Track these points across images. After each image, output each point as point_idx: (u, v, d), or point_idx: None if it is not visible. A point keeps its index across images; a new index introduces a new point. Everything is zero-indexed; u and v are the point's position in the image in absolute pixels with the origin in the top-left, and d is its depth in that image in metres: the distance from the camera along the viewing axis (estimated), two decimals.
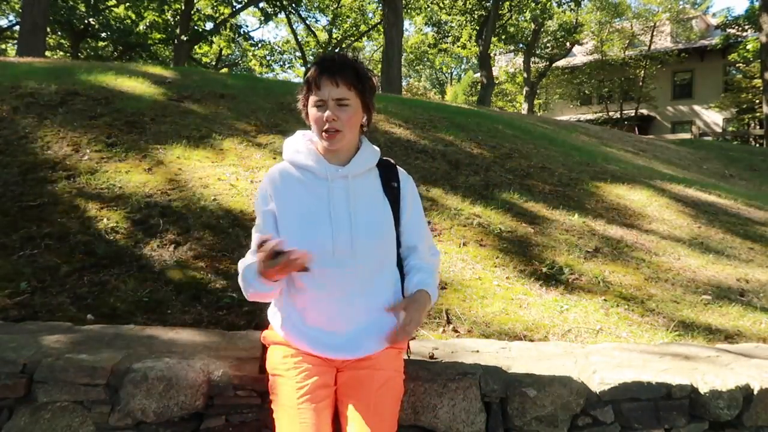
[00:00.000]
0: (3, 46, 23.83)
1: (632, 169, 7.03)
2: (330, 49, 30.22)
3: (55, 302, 2.63)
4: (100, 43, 23.98)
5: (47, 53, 14.93)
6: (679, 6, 27.87)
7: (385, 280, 1.73)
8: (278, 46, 31.62)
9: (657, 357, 2.39)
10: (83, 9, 19.75)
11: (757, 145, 19.55)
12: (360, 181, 1.71)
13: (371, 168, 1.76)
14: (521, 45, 28.35)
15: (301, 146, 1.73)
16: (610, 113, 27.87)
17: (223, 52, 28.83)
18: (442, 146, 5.83)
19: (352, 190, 1.68)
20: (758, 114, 21.14)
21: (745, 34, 22.96)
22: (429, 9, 26.33)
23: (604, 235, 4.40)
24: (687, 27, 28.64)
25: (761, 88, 18.53)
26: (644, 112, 28.00)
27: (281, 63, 32.31)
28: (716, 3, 70.25)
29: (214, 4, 22.77)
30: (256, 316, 2.60)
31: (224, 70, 27.50)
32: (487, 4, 23.69)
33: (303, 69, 31.24)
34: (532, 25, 26.42)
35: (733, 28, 23.49)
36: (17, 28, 17.32)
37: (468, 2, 24.42)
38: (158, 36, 22.04)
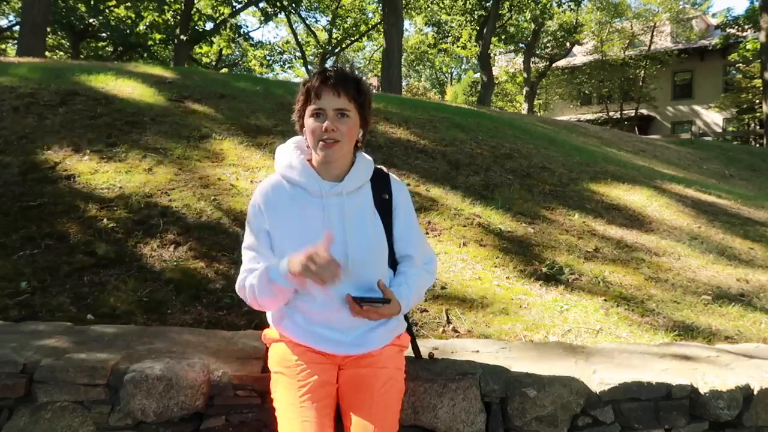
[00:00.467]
0: (3, 46, 23.82)
1: (632, 169, 7.02)
2: (330, 49, 30.24)
3: (55, 302, 2.63)
4: (100, 44, 23.98)
5: (47, 53, 14.92)
6: (679, 6, 27.84)
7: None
8: (278, 46, 31.63)
9: (657, 357, 2.39)
10: (83, 9, 19.71)
11: (757, 145, 19.58)
12: (353, 198, 1.71)
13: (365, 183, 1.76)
14: (521, 45, 28.37)
15: (295, 161, 1.71)
16: (610, 113, 27.84)
17: (223, 52, 28.82)
18: (442, 146, 5.83)
19: (347, 207, 1.68)
20: (758, 114, 21.13)
21: (745, 34, 22.95)
22: (429, 9, 26.35)
23: (604, 235, 4.40)
24: (687, 27, 28.62)
25: (761, 88, 18.53)
26: (644, 112, 27.99)
27: (281, 63, 32.33)
28: (716, 3, 70.37)
29: (214, 4, 22.79)
30: (256, 316, 2.60)
31: (224, 70, 27.48)
32: (487, 4, 23.70)
33: (303, 69, 31.26)
34: (532, 25, 26.41)
35: (733, 28, 23.50)
36: (17, 28, 17.35)
37: (468, 2, 24.39)
38: (158, 36, 22.04)
